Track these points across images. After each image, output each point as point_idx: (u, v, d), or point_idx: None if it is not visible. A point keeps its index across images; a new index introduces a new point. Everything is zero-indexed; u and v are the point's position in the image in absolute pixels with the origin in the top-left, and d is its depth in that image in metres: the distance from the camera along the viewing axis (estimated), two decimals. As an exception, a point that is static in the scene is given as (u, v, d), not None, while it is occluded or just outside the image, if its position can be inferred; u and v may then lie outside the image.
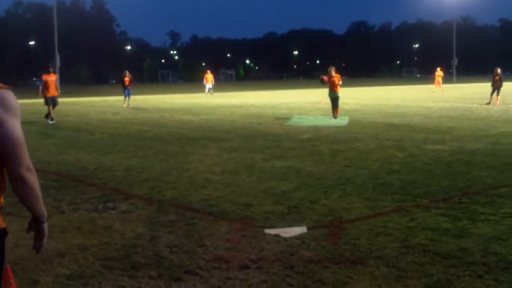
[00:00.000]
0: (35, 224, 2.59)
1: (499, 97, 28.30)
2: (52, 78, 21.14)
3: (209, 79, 46.79)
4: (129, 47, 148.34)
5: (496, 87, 28.51)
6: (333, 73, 20.41)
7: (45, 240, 2.62)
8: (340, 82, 20.56)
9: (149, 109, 29.04)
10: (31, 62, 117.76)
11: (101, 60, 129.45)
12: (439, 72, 46.92)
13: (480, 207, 6.85)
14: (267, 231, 6.00)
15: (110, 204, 7.39)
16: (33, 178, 2.61)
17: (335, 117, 19.99)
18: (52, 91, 21.01)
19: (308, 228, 6.07)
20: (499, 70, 29.21)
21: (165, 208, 7.16)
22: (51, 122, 20.45)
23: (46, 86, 20.92)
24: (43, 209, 2.59)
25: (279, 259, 5.13)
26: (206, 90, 46.11)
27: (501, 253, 5.14)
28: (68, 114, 25.66)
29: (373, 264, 4.91)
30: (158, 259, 5.17)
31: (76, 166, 10.72)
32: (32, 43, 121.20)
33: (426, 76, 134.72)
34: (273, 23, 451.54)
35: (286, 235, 5.82)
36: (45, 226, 2.60)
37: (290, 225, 6.19)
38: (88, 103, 36.48)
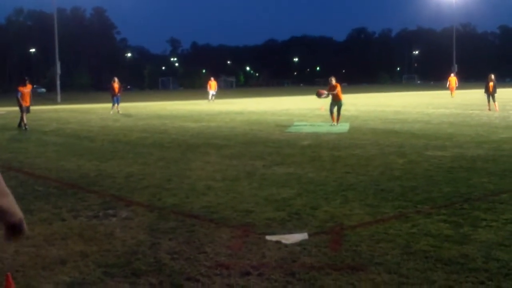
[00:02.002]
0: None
1: (496, 103, 28.28)
2: (27, 90, 21.60)
3: (212, 85, 47.27)
4: (129, 54, 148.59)
5: (491, 94, 28.50)
6: (334, 82, 20.52)
7: None
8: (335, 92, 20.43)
9: (150, 115, 29.04)
10: (32, 69, 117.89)
11: (102, 67, 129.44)
12: (452, 78, 49.27)
13: (482, 213, 6.84)
14: (268, 237, 5.99)
15: (110, 211, 7.38)
16: None
17: (336, 124, 20.02)
18: (28, 101, 21.60)
19: (309, 235, 6.06)
20: (492, 76, 29.24)
21: (166, 215, 7.15)
22: (25, 129, 20.69)
23: (22, 96, 21.33)
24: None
25: (280, 265, 5.11)
26: (210, 96, 46.48)
27: (503, 259, 5.13)
28: (69, 121, 25.69)
29: (374, 271, 4.90)
30: (159, 266, 5.16)
31: (76, 173, 10.72)
32: (32, 50, 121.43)
33: (426, 82, 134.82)
34: (273, 30, 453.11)
35: (287, 242, 5.81)
36: None
37: (291, 232, 6.18)
38: (89, 110, 36.49)
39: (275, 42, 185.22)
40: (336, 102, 20.44)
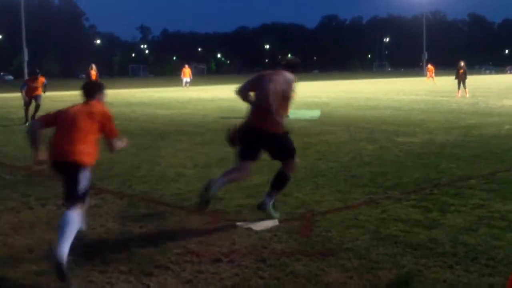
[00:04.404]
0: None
1: (466, 89, 28.69)
2: (34, 85, 19.02)
3: (186, 73, 47.31)
4: (98, 41, 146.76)
5: (461, 80, 28.94)
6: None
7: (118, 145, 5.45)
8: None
9: (119, 103, 28.71)
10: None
11: (70, 55, 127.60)
12: (430, 67, 51.52)
13: (450, 199, 6.92)
14: (239, 224, 5.98)
15: (80, 199, 7.28)
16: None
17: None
18: (31, 92, 18.98)
19: (280, 221, 6.07)
20: (462, 63, 29.70)
21: (136, 202, 7.10)
22: (27, 124, 19.78)
23: (27, 89, 19.58)
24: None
25: (250, 252, 5.11)
26: (183, 83, 46.50)
27: (471, 243, 5.20)
28: (37, 109, 25.25)
29: (344, 256, 4.93)
30: (128, 254, 5.12)
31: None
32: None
33: (397, 69, 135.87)
34: (244, 17, 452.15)
35: (258, 228, 5.81)
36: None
37: (262, 218, 6.18)
38: (58, 98, 35.88)
39: (246, 29, 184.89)
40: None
